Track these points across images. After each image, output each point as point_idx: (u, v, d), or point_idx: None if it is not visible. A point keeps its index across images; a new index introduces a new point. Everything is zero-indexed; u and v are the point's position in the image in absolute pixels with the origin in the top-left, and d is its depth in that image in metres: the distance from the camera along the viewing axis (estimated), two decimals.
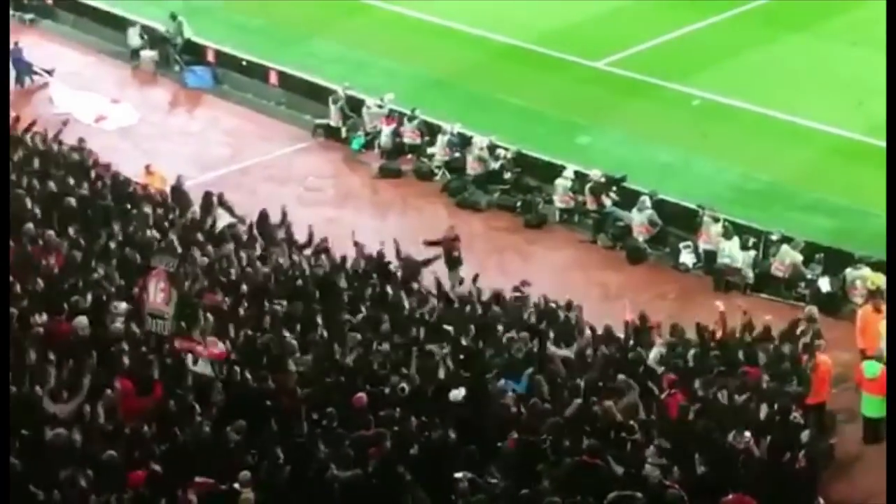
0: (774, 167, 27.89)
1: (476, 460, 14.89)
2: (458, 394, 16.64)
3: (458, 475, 14.14)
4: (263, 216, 24.28)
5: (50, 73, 33.42)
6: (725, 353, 19.50)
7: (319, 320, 19.36)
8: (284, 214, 24.28)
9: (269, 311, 19.29)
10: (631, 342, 19.99)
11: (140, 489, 13.32)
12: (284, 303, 19.82)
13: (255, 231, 23.97)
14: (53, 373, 15.90)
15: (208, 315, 18.45)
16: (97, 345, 16.94)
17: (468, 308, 21.15)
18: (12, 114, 29.13)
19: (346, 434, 15.22)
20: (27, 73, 33.43)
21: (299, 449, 14.85)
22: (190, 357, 16.93)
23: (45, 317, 17.61)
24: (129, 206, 23.49)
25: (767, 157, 28.27)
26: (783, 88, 30.60)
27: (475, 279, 22.31)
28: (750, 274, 24.31)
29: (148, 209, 23.55)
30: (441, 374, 17.84)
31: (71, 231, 21.41)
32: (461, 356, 18.70)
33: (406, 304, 20.88)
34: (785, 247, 24.11)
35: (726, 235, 24.61)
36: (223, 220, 24.08)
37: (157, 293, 17.41)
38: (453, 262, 24.11)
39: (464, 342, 19.33)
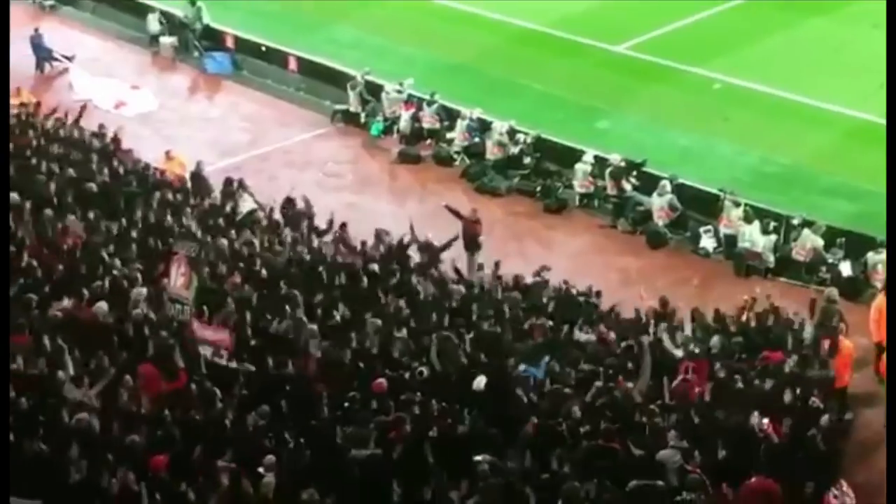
0: (795, 151, 27.78)
1: (497, 444, 14.90)
2: (480, 382, 16.64)
3: (479, 458, 14.15)
4: (289, 202, 24.34)
5: (70, 59, 33.50)
6: (746, 337, 19.45)
7: (340, 306, 19.38)
8: (307, 201, 24.34)
9: (290, 297, 19.31)
10: (651, 327, 19.95)
11: (162, 473, 13.37)
12: (304, 288, 19.84)
13: (276, 217, 24.02)
14: (75, 359, 15.93)
15: (229, 300, 18.50)
16: (118, 330, 17.00)
17: (488, 293, 21.15)
18: (33, 99, 29.31)
19: (367, 417, 15.25)
20: (47, 59, 33.52)
21: (319, 433, 14.89)
22: (203, 347, 16.91)
23: (66, 302, 17.66)
24: (149, 192, 23.54)
25: (788, 140, 28.16)
26: (804, 72, 30.48)
27: (497, 266, 22.29)
28: (771, 258, 24.23)
29: (168, 195, 23.61)
30: (461, 359, 17.84)
31: (91, 216, 21.47)
32: (481, 341, 18.70)
33: (425, 290, 20.88)
34: (806, 231, 24.01)
35: (747, 220, 24.52)
36: (247, 204, 24.15)
37: (177, 278, 17.47)
38: (473, 246, 24.08)
39: (484, 327, 19.33)
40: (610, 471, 14.17)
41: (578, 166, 27.27)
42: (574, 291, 21.63)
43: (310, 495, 12.99)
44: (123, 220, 21.59)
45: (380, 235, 23.21)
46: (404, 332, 18.70)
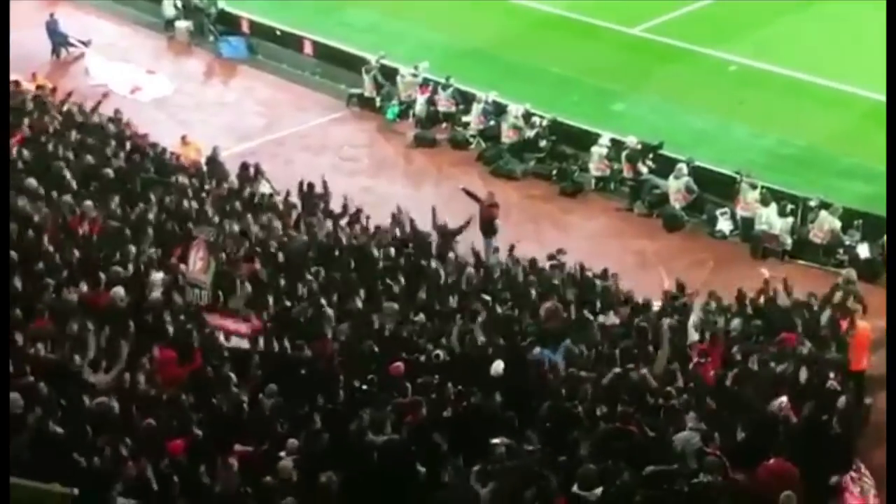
0: (812, 132, 27.71)
1: (514, 427, 14.91)
2: (497, 367, 16.66)
3: (496, 441, 14.17)
4: (309, 186, 24.37)
5: (86, 44, 33.54)
6: (764, 319, 19.42)
7: (356, 289, 19.40)
8: (325, 185, 24.38)
9: (307, 281, 19.34)
10: (668, 309, 19.93)
11: (179, 457, 13.40)
12: (321, 272, 19.87)
13: (292, 200, 24.04)
14: (93, 342, 15.98)
15: (246, 284, 18.54)
16: (135, 314, 17.04)
17: (504, 276, 21.15)
18: (49, 85, 29.35)
19: (385, 400, 15.28)
20: (63, 44, 33.56)
21: (337, 416, 14.92)
22: (222, 334, 16.98)
23: (83, 287, 17.71)
24: (166, 177, 23.58)
25: (804, 122, 28.09)
26: (820, 53, 30.38)
27: (511, 249, 22.30)
28: (788, 240, 24.18)
29: (185, 179, 23.65)
30: (478, 342, 17.85)
31: (108, 201, 21.50)
32: (498, 325, 18.71)
33: (442, 273, 20.90)
34: (823, 213, 23.95)
35: (764, 202, 24.46)
36: (263, 189, 24.20)
37: (196, 262, 17.51)
38: (489, 229, 24.08)
39: (500, 310, 19.34)
40: (627, 453, 14.17)
41: (594, 149, 27.24)
42: (590, 274, 21.61)
43: (327, 478, 13.01)
44: (140, 205, 21.62)
45: (395, 216, 23.20)
46: (421, 315, 18.73)
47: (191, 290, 17.46)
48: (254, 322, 17.37)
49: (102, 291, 17.67)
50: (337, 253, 21.09)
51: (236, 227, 21.28)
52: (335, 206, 24.01)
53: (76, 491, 10.76)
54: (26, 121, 24.81)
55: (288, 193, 24.24)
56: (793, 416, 15.79)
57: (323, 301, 18.39)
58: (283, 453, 13.58)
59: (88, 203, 20.84)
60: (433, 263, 21.26)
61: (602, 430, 14.93)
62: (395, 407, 15.05)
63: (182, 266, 18.27)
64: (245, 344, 16.78)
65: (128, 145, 25.23)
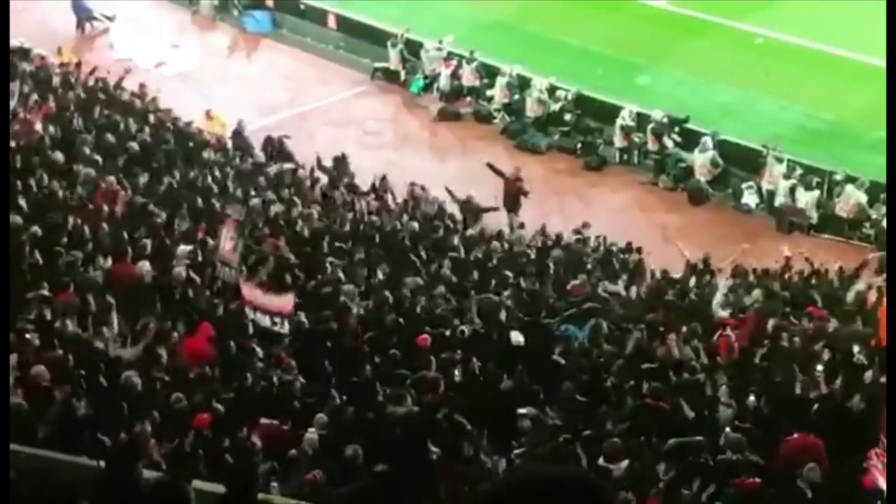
0: (838, 106, 27.52)
1: (538, 401, 14.94)
2: (518, 337, 16.66)
3: (523, 410, 14.19)
4: (334, 161, 24.43)
5: (111, 18, 33.57)
6: (790, 293, 19.34)
7: (380, 264, 19.43)
8: (344, 158, 24.42)
9: (331, 255, 19.37)
10: (693, 283, 19.89)
11: (204, 431, 13.46)
12: (346, 246, 19.90)
13: (317, 176, 24.07)
14: (117, 317, 16.04)
15: (270, 259, 18.57)
16: (160, 289, 17.09)
17: (529, 251, 21.13)
18: (74, 59, 29.40)
19: (408, 375, 15.31)
20: (88, 18, 33.59)
21: (361, 389, 14.96)
22: (252, 310, 16.94)
23: (108, 261, 17.78)
24: (190, 151, 23.62)
25: (831, 95, 27.90)
26: (847, 26, 30.08)
27: (543, 229, 22.19)
28: (814, 214, 24.06)
29: (209, 154, 23.68)
30: (502, 317, 17.86)
31: (133, 176, 21.56)
32: (522, 300, 18.71)
33: (465, 249, 20.90)
34: (849, 187, 23.83)
35: (790, 175, 24.34)
36: (287, 164, 24.25)
37: (226, 241, 17.54)
38: (514, 204, 24.05)
39: (524, 285, 19.33)
40: (657, 429, 14.18)
41: (618, 122, 27.13)
42: (614, 248, 21.57)
43: (353, 451, 13.06)
44: (165, 179, 21.67)
45: (413, 192, 23.17)
46: (443, 289, 18.74)
47: (221, 267, 17.49)
48: (285, 300, 17.16)
49: (128, 265, 17.74)
50: (361, 228, 21.11)
51: (259, 203, 21.30)
52: (361, 181, 24.01)
53: (102, 464, 10.81)
54: (51, 96, 24.88)
55: (313, 170, 24.22)
56: (818, 390, 15.75)
57: (344, 277, 18.42)
58: (311, 429, 13.62)
59: (111, 178, 20.90)
60: (455, 239, 21.23)
61: (633, 406, 14.94)
62: (415, 383, 15.06)
63: (210, 242, 18.31)
64: (268, 322, 16.72)
65: (152, 119, 25.26)
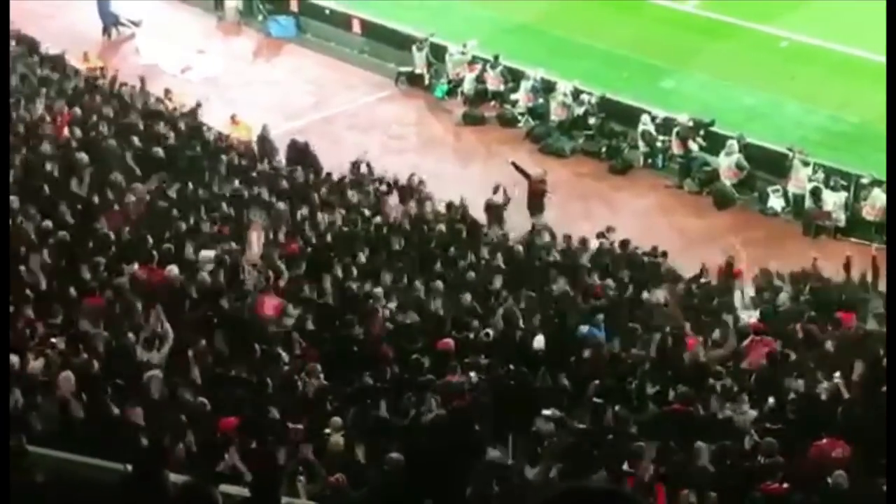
0: (864, 109, 27.36)
1: (562, 403, 14.94)
2: (539, 341, 16.68)
3: (547, 412, 14.20)
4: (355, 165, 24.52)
5: (137, 24, 33.74)
6: (818, 297, 19.26)
7: (405, 268, 19.46)
8: (361, 164, 24.46)
9: (355, 260, 19.41)
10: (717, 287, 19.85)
11: (231, 434, 13.49)
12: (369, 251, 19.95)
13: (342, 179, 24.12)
14: (145, 321, 16.10)
15: (282, 265, 18.59)
16: (186, 292, 17.16)
17: (551, 255, 21.11)
18: (100, 64, 29.58)
19: (432, 380, 15.32)
20: (114, 24, 33.77)
21: (386, 394, 14.99)
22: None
23: (135, 266, 17.86)
24: (216, 156, 23.70)
25: (857, 98, 27.76)
26: (872, 28, 29.89)
27: (568, 239, 22.13)
28: (842, 217, 23.96)
29: (235, 158, 23.76)
30: (523, 321, 17.84)
31: (159, 180, 21.65)
32: (545, 303, 18.70)
33: (489, 252, 20.91)
34: (876, 190, 23.71)
35: (816, 178, 24.25)
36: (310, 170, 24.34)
37: (254, 246, 17.72)
38: (537, 207, 24.03)
39: (547, 288, 19.32)
40: (685, 433, 14.17)
41: (641, 128, 27.08)
42: (639, 252, 21.53)
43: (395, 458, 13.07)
44: (190, 184, 21.75)
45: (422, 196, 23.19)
46: (468, 294, 18.74)
47: (250, 271, 17.66)
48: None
49: (156, 269, 17.82)
50: (385, 231, 21.14)
51: (285, 207, 21.35)
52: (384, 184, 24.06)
53: (129, 467, 10.85)
54: (77, 101, 25.03)
55: (335, 178, 24.23)
56: (845, 394, 15.69)
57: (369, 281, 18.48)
58: (327, 430, 13.66)
59: (139, 185, 21.00)
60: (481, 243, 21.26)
61: (660, 411, 14.91)
62: (440, 389, 15.07)
63: (237, 247, 18.44)
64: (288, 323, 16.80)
65: (181, 125, 25.36)
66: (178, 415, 13.47)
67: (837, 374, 15.96)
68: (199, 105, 26.64)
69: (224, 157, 23.70)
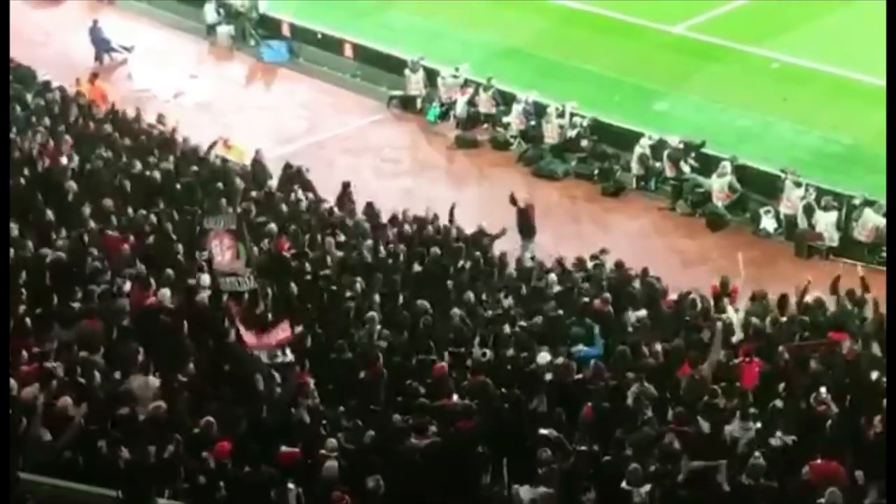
0: (856, 130, 27.47)
1: (560, 425, 14.95)
2: (544, 357, 16.72)
3: (545, 431, 14.21)
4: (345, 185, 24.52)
5: (129, 49, 33.81)
6: (807, 318, 19.27)
7: (400, 292, 19.47)
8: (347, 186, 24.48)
9: (350, 283, 19.40)
10: (711, 308, 19.86)
11: (225, 460, 13.49)
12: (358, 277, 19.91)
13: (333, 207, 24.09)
14: (140, 347, 16.07)
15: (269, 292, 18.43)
16: (182, 317, 17.13)
17: (543, 278, 21.12)
18: (90, 88, 29.61)
19: (428, 404, 15.31)
20: (106, 50, 33.83)
21: (380, 418, 14.98)
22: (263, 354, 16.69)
23: (129, 288, 17.86)
24: (210, 181, 23.69)
25: (849, 119, 27.85)
26: (865, 49, 30.05)
27: (560, 261, 22.14)
28: (835, 237, 24.00)
29: (230, 183, 23.74)
30: (514, 342, 17.84)
31: (153, 206, 21.65)
32: (538, 324, 18.71)
33: (484, 275, 20.93)
34: (868, 210, 23.76)
35: (808, 199, 24.30)
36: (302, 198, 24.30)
37: (223, 253, 17.35)
38: (527, 231, 24.08)
39: (541, 310, 19.33)
40: (680, 453, 14.17)
41: (636, 149, 27.14)
42: (631, 273, 21.54)
43: (375, 482, 13.06)
44: (185, 209, 21.74)
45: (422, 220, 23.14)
46: (461, 314, 18.75)
47: (226, 280, 17.26)
48: (283, 331, 16.90)
49: (150, 295, 17.80)
50: (380, 254, 21.12)
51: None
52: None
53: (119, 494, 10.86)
54: (70, 127, 25.08)
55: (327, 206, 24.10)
56: (833, 411, 15.67)
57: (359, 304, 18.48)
58: (322, 451, 13.65)
59: (137, 213, 20.99)
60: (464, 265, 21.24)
61: (657, 431, 14.92)
62: (445, 412, 15.05)
63: (208, 259, 18.23)
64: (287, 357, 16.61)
65: (177, 150, 25.39)
66: (169, 439, 13.45)
67: (823, 389, 15.96)
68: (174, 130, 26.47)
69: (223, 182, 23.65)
